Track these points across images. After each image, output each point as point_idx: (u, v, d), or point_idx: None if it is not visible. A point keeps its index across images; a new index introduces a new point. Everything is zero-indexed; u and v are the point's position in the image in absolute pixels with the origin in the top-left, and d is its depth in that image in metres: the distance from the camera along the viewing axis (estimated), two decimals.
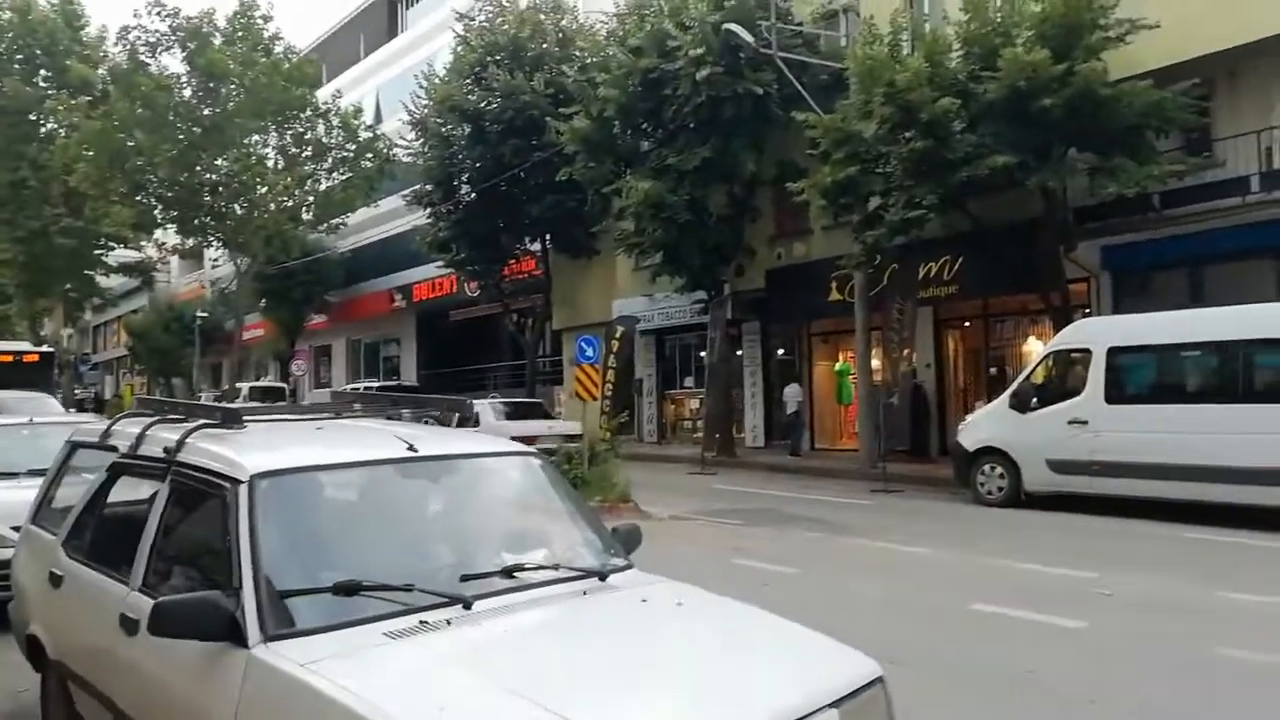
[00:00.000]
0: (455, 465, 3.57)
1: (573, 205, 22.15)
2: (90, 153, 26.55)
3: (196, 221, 29.26)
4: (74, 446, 4.58)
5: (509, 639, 2.77)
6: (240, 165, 26.57)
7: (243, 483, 3.00)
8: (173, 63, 27.09)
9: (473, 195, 24.00)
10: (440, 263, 27.34)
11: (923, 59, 12.96)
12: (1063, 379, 11.88)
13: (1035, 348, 15.29)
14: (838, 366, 20.15)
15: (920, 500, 13.18)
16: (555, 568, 3.28)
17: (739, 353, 21.37)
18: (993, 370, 17.21)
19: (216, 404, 3.81)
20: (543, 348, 28.19)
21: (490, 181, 22.81)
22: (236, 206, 28.35)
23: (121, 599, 3.27)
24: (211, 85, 26.48)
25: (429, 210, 25.29)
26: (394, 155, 28.45)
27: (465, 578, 3.02)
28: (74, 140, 27.66)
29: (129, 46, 27.41)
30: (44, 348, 27.80)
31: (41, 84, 34.01)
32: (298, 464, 3.18)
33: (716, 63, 16.10)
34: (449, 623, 2.77)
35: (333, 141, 28.81)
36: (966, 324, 18.13)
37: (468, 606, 2.87)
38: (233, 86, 26.70)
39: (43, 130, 33.20)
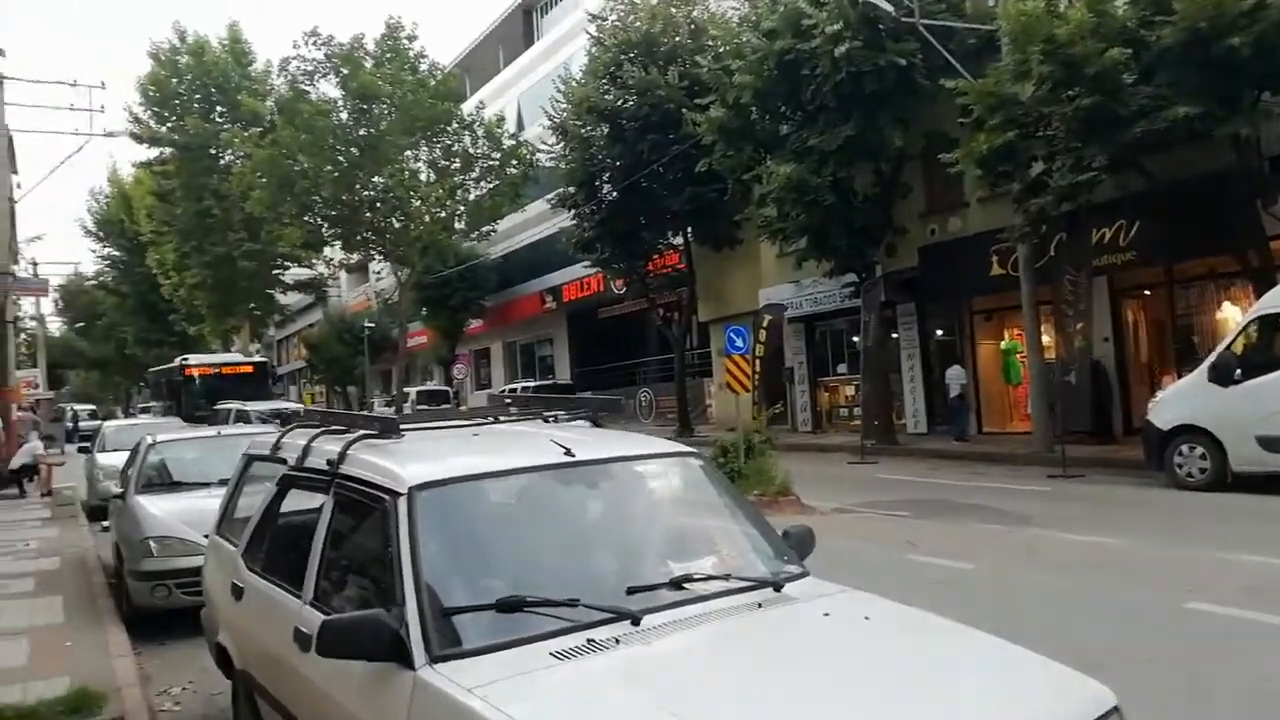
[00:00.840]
0: (614, 469, 3.43)
1: (713, 196, 21.89)
2: (263, 179, 28.38)
3: (359, 237, 30.84)
4: (250, 459, 4.74)
5: (682, 659, 2.60)
6: (395, 180, 27.78)
7: (402, 495, 2.95)
8: (329, 88, 28.62)
9: (614, 194, 24.13)
10: (586, 262, 27.70)
11: (1086, 9, 11.94)
12: (1270, 346, 10.66)
13: (1232, 314, 13.86)
14: (1003, 344, 19.02)
15: (1105, 485, 12.18)
16: (726, 578, 3.08)
17: (894, 336, 20.53)
18: (1182, 341, 15.76)
19: (374, 414, 3.77)
20: (690, 340, 28.10)
21: (630, 179, 22.86)
22: (394, 220, 29.66)
23: (295, 613, 3.30)
24: (365, 106, 27.78)
25: (573, 211, 25.64)
26: (537, 160, 29.02)
27: (632, 590, 2.86)
28: (247, 169, 29.66)
29: (289, 77, 29.15)
30: (257, 357, 29.84)
31: (218, 119, 36.77)
32: (457, 474, 3.11)
33: (855, 37, 15.44)
34: (617, 641, 2.62)
35: (479, 151, 29.68)
36: (1147, 293, 16.66)
37: (636, 622, 2.71)
38: (384, 105, 27.91)
39: (221, 162, 35.83)
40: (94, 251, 55.30)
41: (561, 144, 25.11)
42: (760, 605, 2.93)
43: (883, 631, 2.87)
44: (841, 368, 23.03)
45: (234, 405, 21.09)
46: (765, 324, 19.29)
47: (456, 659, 2.54)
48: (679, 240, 25.35)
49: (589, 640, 2.61)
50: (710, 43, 21.70)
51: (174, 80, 37.82)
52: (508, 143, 29.90)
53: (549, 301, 35.57)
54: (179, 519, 7.04)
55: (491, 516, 3.13)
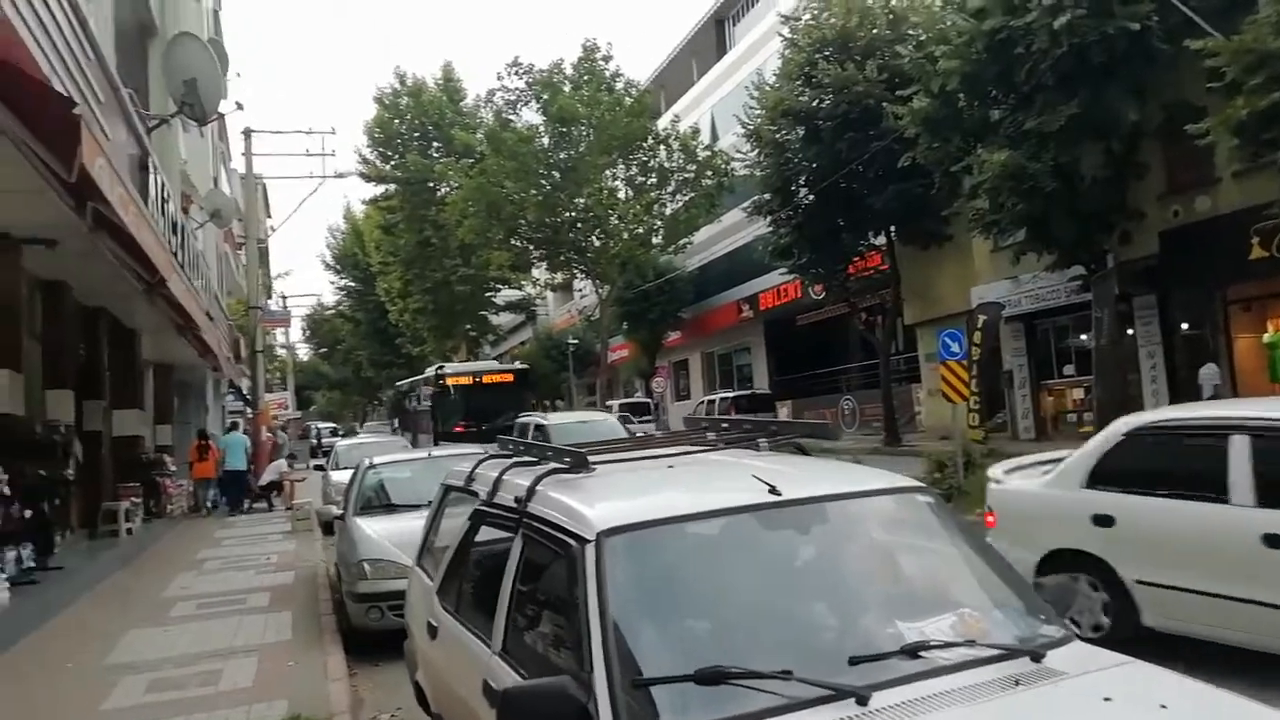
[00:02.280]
0: (827, 509, 2.95)
1: (917, 192, 20.68)
2: (473, 208, 29.87)
3: (562, 257, 31.79)
4: (446, 489, 4.62)
5: None
6: (594, 200, 28.40)
7: (589, 541, 2.64)
8: (531, 115, 29.74)
9: (811, 197, 23.40)
10: (783, 269, 27.08)
11: None
12: None
13: None
14: (1267, 338, 16.62)
15: None
16: (969, 644, 2.53)
17: (1130, 332, 18.47)
18: None
19: (565, 447, 3.48)
20: (895, 345, 26.78)
21: (828, 180, 22.07)
22: (594, 239, 30.32)
23: (485, 663, 3.08)
24: (564, 130, 28.60)
25: (769, 218, 25.12)
26: (731, 170, 28.76)
27: (855, 660, 2.39)
28: (459, 198, 31.33)
29: (495, 108, 30.57)
30: (518, 365, 26.72)
31: (434, 154, 39.26)
32: (649, 517, 2.75)
33: (1077, 5, 13.96)
34: None
35: (674, 165, 29.82)
36: None
37: (862, 702, 2.25)
38: (582, 127, 28.63)
39: (438, 194, 38.15)
40: (332, 283, 60.83)
41: (756, 151, 24.67)
42: (1018, 682, 2.37)
43: None
44: (1068, 369, 21.04)
45: (533, 418, 18.55)
46: (979, 324, 17.88)
47: None
48: (881, 240, 24.22)
49: None
50: (911, 31, 20.59)
51: (396, 121, 40.92)
52: (702, 154, 29.85)
53: (746, 310, 35.15)
54: (391, 541, 7.19)
55: (689, 567, 2.75)
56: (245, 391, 33.50)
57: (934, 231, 22.46)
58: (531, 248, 32.29)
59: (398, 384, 37.93)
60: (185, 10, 17.25)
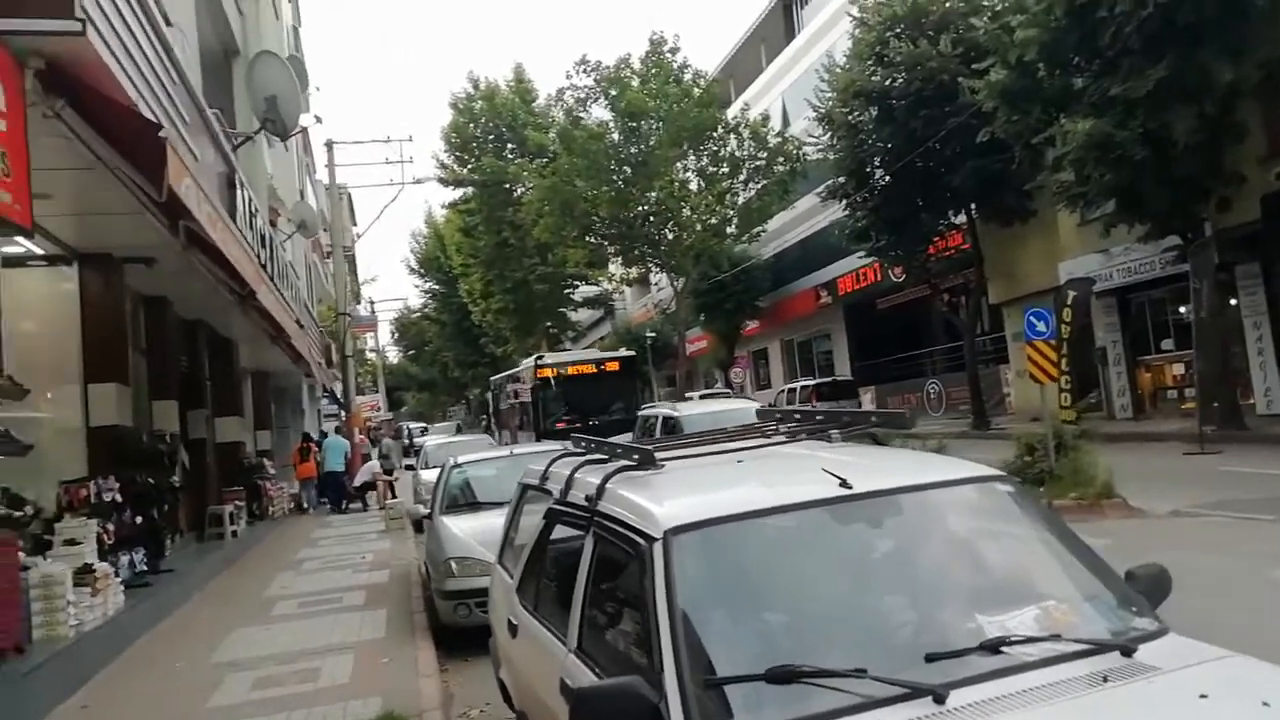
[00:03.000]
0: (901, 501, 2.89)
1: (997, 167, 20.04)
2: (547, 207, 30.18)
3: (636, 251, 31.83)
4: (524, 488, 4.69)
5: None
6: (665, 193, 28.36)
7: (657, 540, 2.64)
8: (601, 112, 29.87)
9: (887, 178, 22.90)
10: (861, 253, 26.61)
11: None
12: None
13: None
14: None
15: None
16: (1055, 638, 2.45)
17: (1233, 302, 17.57)
18: None
19: (634, 444, 3.49)
20: (981, 325, 26.04)
21: (903, 160, 21.57)
22: (667, 232, 30.29)
23: (560, 662, 3.11)
24: (634, 125, 28.64)
25: (844, 202, 24.70)
26: (804, 155, 28.37)
27: (931, 657, 2.34)
28: (534, 198, 31.69)
29: (565, 106, 30.80)
30: (624, 352, 24.18)
31: (509, 156, 39.84)
32: (718, 514, 2.74)
33: None
34: None
35: (745, 154, 29.57)
36: None
37: (940, 700, 2.19)
38: (652, 121, 28.61)
39: (515, 195, 38.68)
40: (417, 287, 62.42)
41: (829, 134, 24.27)
42: (1107, 679, 2.28)
43: None
44: (1166, 343, 20.14)
45: (660, 409, 15.56)
46: (1069, 301, 17.24)
47: None
48: (961, 219, 23.58)
49: None
50: (986, 2, 19.95)
51: (471, 125, 41.66)
52: (773, 141, 29.52)
53: (824, 296, 34.64)
54: (476, 539, 7.34)
55: (758, 564, 2.72)
56: (339, 395, 34.85)
57: (1017, 207, 21.75)
58: (606, 244, 32.42)
59: (492, 379, 35.78)
60: (266, 29, 17.87)
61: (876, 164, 23.26)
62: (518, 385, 25.75)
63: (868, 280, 30.89)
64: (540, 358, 23.22)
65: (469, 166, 40.62)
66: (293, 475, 22.47)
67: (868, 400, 31.53)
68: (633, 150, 28.62)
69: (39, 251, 9.13)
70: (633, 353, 23.86)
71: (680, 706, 2.26)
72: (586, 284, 43.68)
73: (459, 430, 40.89)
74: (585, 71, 28.96)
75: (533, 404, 22.85)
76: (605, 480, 3.23)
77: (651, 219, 29.87)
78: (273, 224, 15.93)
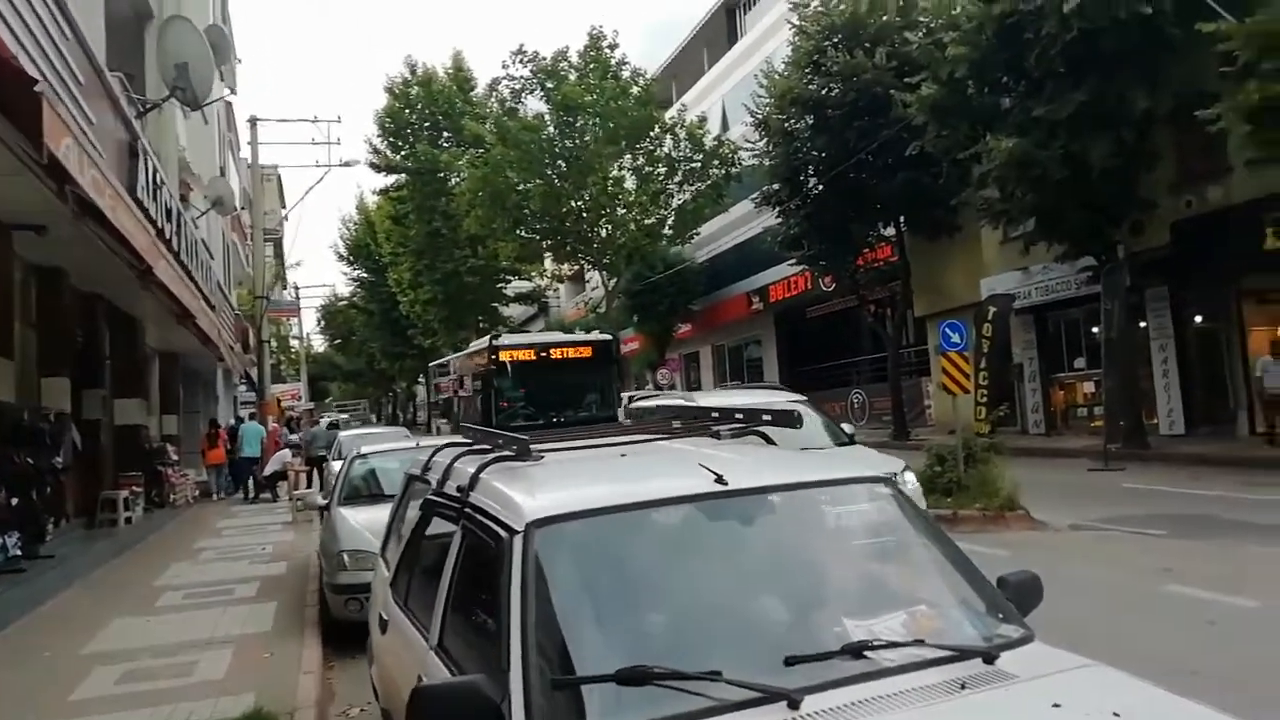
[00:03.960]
0: (776, 500, 2.80)
1: (926, 181, 20.40)
2: (479, 197, 29.71)
3: (568, 247, 31.54)
4: (409, 479, 4.50)
5: None
6: (599, 190, 28.15)
7: (518, 532, 2.50)
8: (537, 104, 29.52)
9: (820, 187, 23.13)
10: (793, 260, 26.83)
11: None
12: None
13: None
14: None
15: None
16: (918, 643, 2.38)
17: (1142, 324, 18.17)
18: None
19: (513, 434, 3.32)
20: (905, 337, 26.50)
21: (836, 169, 21.81)
22: (601, 229, 30.08)
23: (421, 659, 2.95)
24: (570, 119, 28.37)
25: (777, 209, 24.87)
26: (739, 159, 28.51)
27: (791, 660, 2.25)
28: (466, 188, 31.17)
29: (500, 96, 30.38)
30: (597, 335, 19.89)
31: (445, 144, 39.13)
32: (583, 506, 2.61)
33: None
34: None
35: (681, 155, 29.57)
36: None
37: (794, 705, 2.10)
38: (588, 117, 28.38)
39: (449, 185, 38.01)
40: (345, 274, 61.00)
41: (765, 140, 24.42)
42: (964, 686, 2.22)
43: None
44: (1079, 362, 20.74)
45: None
46: (990, 316, 17.61)
47: None
48: (890, 231, 23.96)
49: None
50: (921, 18, 20.29)
51: (406, 111, 40.82)
52: (710, 144, 29.60)
53: (756, 303, 34.88)
54: (372, 532, 7.06)
55: (623, 561, 2.60)
56: (256, 381, 33.78)
57: (943, 222, 22.18)
58: (538, 238, 32.06)
59: (431, 364, 31.52)
60: None
61: (810, 172, 23.48)
62: (466, 372, 21.65)
63: (799, 289, 31.18)
64: (496, 337, 19.25)
65: (402, 153, 39.85)
66: (200, 462, 21.76)
67: None
68: (567, 144, 28.35)
69: None
70: (609, 336, 19.52)
71: (523, 708, 2.12)
72: (519, 279, 43.21)
73: (374, 421, 40.06)
74: (522, 62, 28.64)
75: (484, 395, 18.89)
76: (479, 471, 3.08)
77: (584, 215, 29.63)
78: (184, 199, 15.30)
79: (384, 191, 44.88)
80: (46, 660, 6.58)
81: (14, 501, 8.63)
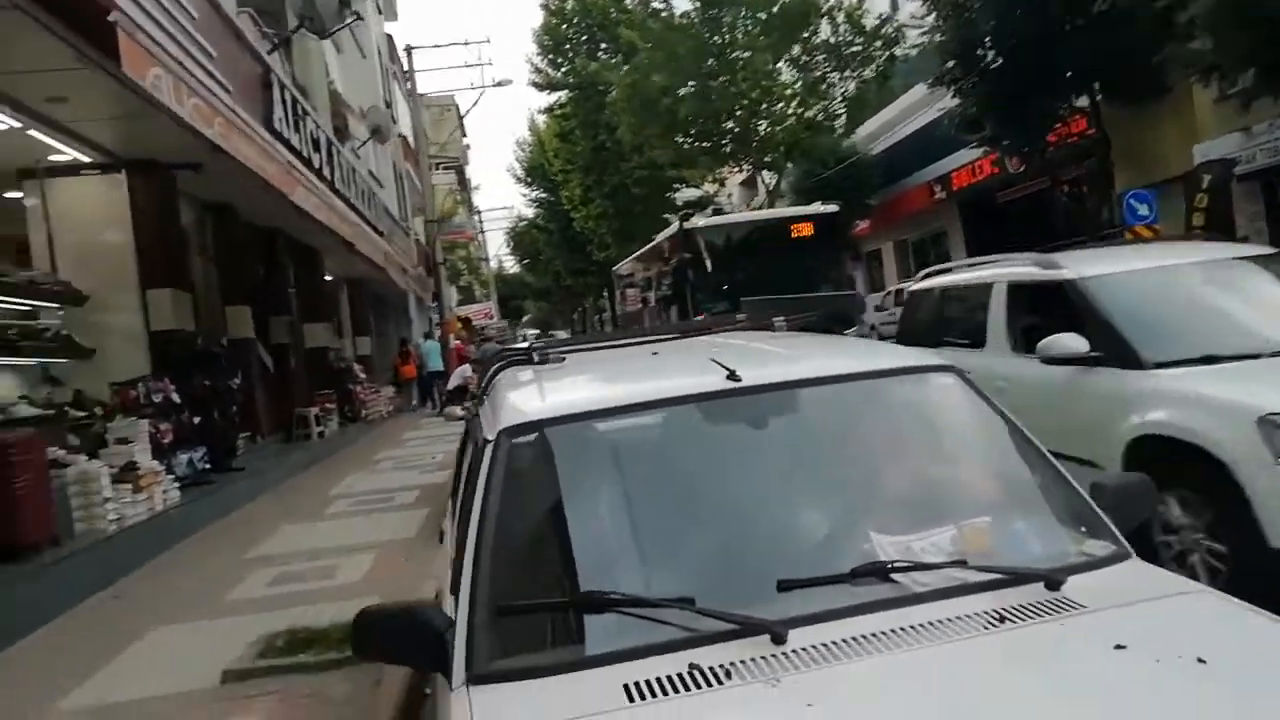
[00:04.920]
0: (803, 398, 2.36)
1: (1122, 41, 17.92)
2: (629, 105, 29.19)
3: (726, 148, 30.52)
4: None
5: None
6: (749, 85, 26.78)
7: (490, 441, 2.23)
8: (683, 2, 28.34)
9: (998, 60, 20.91)
10: (974, 144, 24.69)
11: None
12: None
13: None
14: None
15: None
16: (958, 564, 1.93)
17: None
18: None
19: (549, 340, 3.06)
20: (1110, 217, 23.96)
21: (1017, 38, 19.58)
22: (760, 127, 28.83)
23: (441, 576, 2.78)
24: (716, 14, 26.99)
25: (953, 89, 22.79)
26: (903, 38, 26.33)
27: (785, 585, 1.87)
28: (618, 97, 30.71)
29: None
30: (820, 206, 16.21)
31: (602, 55, 38.64)
32: (563, 412, 2.29)
33: None
34: (729, 674, 1.67)
35: (841, 40, 27.64)
36: None
37: (779, 640, 1.73)
38: (735, 8, 26.87)
39: (609, 96, 37.66)
40: (523, 195, 62.63)
41: (933, 14, 22.27)
42: (1002, 619, 1.76)
43: (1235, 693, 1.54)
44: None
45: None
46: (1204, 185, 15.50)
47: (500, 681, 1.78)
48: (1084, 102, 21.42)
49: (692, 668, 1.70)
50: None
51: (563, 26, 40.57)
52: (871, 25, 27.48)
53: (938, 192, 32.60)
54: None
55: (604, 473, 2.27)
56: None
57: (1146, 85, 19.52)
58: (690, 142, 31.15)
59: (615, 269, 27.89)
60: None
61: (987, 43, 21.28)
62: (653, 271, 18.32)
63: (984, 174, 28.85)
64: (687, 215, 15.57)
65: (563, 69, 39.75)
66: (394, 378, 23.51)
67: None
68: (716, 40, 27.02)
69: (85, 159, 9.24)
70: (834, 208, 15.56)
71: (465, 637, 1.87)
72: (688, 186, 42.58)
73: (539, 337, 41.38)
74: None
75: (677, 296, 15.50)
76: (492, 376, 2.84)
77: (738, 114, 28.40)
78: (340, 130, 15.85)
79: (548, 110, 45.18)
80: (213, 564, 7.13)
81: (196, 420, 9.37)
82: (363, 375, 19.12)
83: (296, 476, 12.09)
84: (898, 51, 27.22)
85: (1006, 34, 19.98)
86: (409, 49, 22.68)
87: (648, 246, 20.34)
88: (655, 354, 2.92)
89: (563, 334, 74.09)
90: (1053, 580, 1.88)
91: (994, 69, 21.16)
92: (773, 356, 2.56)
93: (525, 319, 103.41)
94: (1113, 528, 2.11)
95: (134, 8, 5.95)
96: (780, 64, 28.08)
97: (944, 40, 21.90)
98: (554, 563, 2.09)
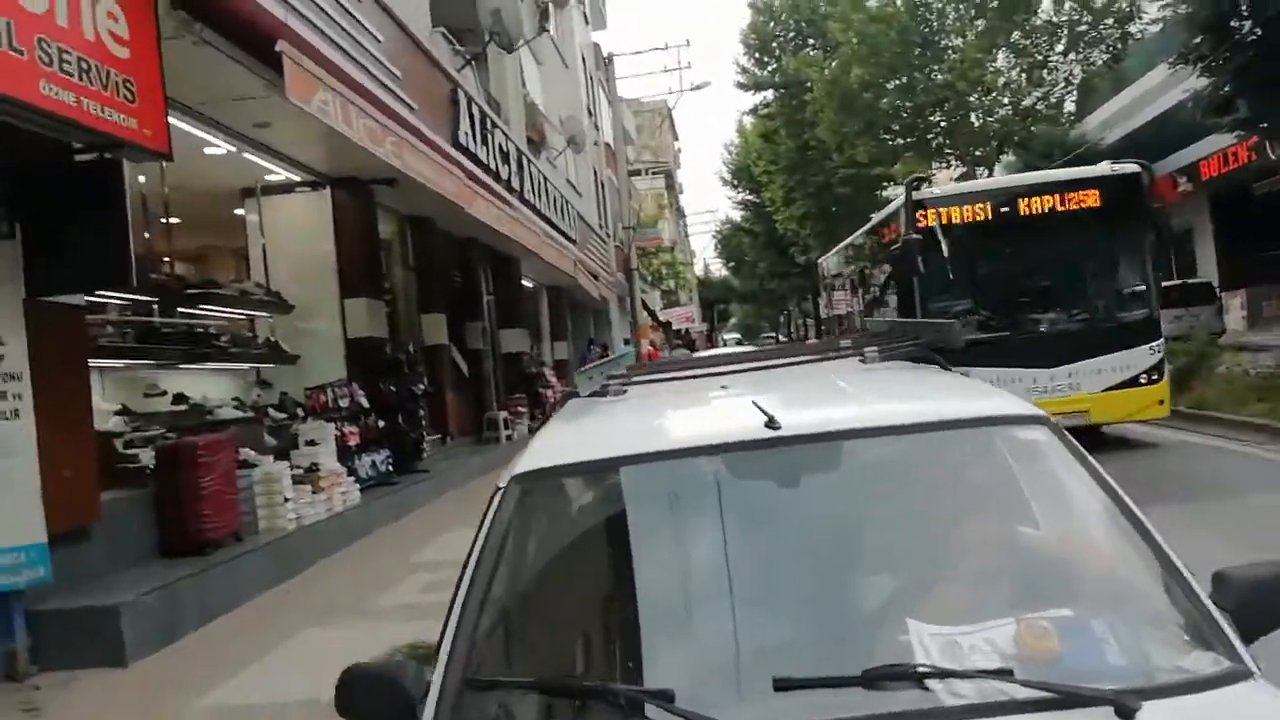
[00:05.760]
0: (845, 450, 2.02)
1: None
2: (829, 100, 28.38)
3: (933, 143, 28.96)
4: None
5: None
6: (956, 75, 25.15)
7: (499, 489, 2.07)
8: None
9: (1256, 31, 18.45)
10: (1227, 129, 21.95)
11: None
12: None
13: None
14: None
15: None
16: (1001, 674, 1.56)
17: None
18: None
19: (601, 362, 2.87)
20: None
21: (1278, 5, 17.18)
22: (973, 118, 27.09)
23: None
24: (923, 1, 25.60)
25: (1200, 66, 20.35)
26: (1139, 11, 23.83)
27: (782, 684, 1.58)
28: (818, 94, 29.93)
29: None
30: (1110, 167, 10.83)
31: (811, 53, 37.88)
32: (575, 460, 2.09)
33: None
34: None
35: (1064, 20, 25.41)
36: None
37: None
38: None
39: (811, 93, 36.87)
40: (729, 198, 62.85)
41: None
42: None
43: None
44: None
45: None
46: None
47: None
48: None
49: None
50: None
51: (771, 24, 40.18)
52: (1100, 2, 25.09)
53: (1183, 183, 29.36)
54: None
55: (607, 533, 2.03)
56: (647, 306, 35.76)
57: None
58: (892, 138, 29.74)
59: (822, 260, 23.74)
60: None
61: (1243, 13, 18.84)
62: (867, 261, 14.44)
63: (1239, 161, 25.66)
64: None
65: (769, 68, 39.35)
66: None
67: (1235, 304, 26.68)
68: (922, 30, 25.58)
69: (296, 178, 10.06)
70: (1133, 167, 10.73)
71: (434, 708, 1.72)
72: (896, 184, 40.87)
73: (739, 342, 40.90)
74: None
75: (901, 291, 11.76)
76: (551, 410, 2.69)
77: (946, 104, 26.77)
78: (534, 141, 16.39)
79: (753, 110, 44.91)
80: (379, 565, 7.49)
81: (381, 424, 9.95)
82: (553, 379, 19.73)
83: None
84: (1133, 29, 24.73)
85: (1266, 1, 17.61)
86: (609, 57, 23.17)
87: (861, 231, 16.02)
88: (724, 387, 2.65)
89: (765, 338, 73.63)
90: (1125, 706, 1.46)
91: (1250, 42, 18.73)
92: (830, 396, 2.23)
93: (730, 323, 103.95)
94: (1231, 635, 1.63)
95: (314, 35, 6.37)
96: (998, 50, 26.24)
97: (1190, 12, 19.64)
98: (537, 633, 1.89)
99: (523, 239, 12.20)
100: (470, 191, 9.63)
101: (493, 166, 11.55)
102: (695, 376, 2.88)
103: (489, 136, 11.40)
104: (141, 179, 7.60)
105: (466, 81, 11.62)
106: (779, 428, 1.99)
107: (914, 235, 10.12)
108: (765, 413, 2.03)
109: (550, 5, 17.47)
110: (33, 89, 4.13)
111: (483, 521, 2.02)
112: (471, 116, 10.74)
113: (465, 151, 10.45)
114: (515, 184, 12.66)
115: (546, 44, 19.39)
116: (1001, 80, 26.04)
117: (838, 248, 18.49)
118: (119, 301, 7.78)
